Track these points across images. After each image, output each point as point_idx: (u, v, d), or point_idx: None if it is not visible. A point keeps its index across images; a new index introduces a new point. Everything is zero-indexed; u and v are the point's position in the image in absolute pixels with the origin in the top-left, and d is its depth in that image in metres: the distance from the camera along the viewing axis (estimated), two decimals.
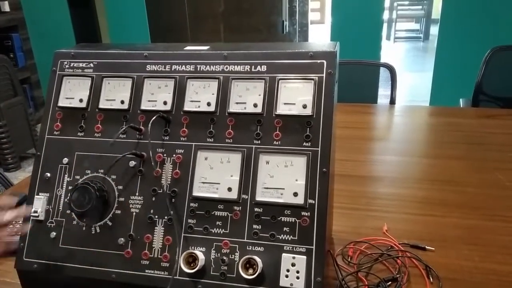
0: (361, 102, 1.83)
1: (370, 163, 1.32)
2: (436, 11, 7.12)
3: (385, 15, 3.50)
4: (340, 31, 3.18)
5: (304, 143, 0.68)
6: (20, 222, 0.94)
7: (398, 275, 0.78)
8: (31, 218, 0.75)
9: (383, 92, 2.21)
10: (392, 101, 1.91)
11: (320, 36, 7.04)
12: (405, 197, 1.09)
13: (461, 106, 1.99)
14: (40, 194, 0.76)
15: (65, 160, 0.76)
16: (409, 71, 5.63)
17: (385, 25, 3.32)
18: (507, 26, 2.78)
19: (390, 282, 0.77)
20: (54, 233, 0.74)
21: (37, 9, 3.74)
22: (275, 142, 0.69)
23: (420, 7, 7.73)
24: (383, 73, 2.00)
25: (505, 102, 1.90)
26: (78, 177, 0.75)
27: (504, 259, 0.83)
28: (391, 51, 6.75)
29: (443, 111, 1.77)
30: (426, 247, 0.86)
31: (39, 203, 0.75)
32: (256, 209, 0.67)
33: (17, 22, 3.65)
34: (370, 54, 3.06)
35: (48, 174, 0.76)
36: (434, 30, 7.08)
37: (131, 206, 0.72)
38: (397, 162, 1.31)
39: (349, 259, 0.84)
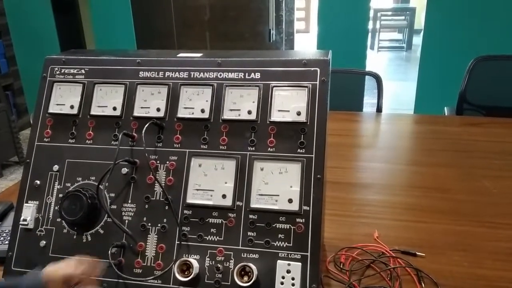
0: (347, 110, 1.85)
1: (359, 170, 1.33)
2: (419, 21, 7.25)
3: (369, 25, 3.56)
4: (326, 40, 3.21)
5: (299, 150, 0.68)
6: (7, 231, 0.93)
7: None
8: (20, 226, 0.73)
9: (368, 101, 2.24)
10: (379, 109, 1.93)
11: (305, 45, 7.10)
12: (395, 204, 1.10)
13: (446, 114, 2.02)
14: (29, 202, 0.74)
15: (56, 167, 0.75)
16: (393, 80, 5.71)
17: (369, 35, 3.38)
18: (489, 36, 2.85)
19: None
20: (44, 242, 0.72)
21: (21, 15, 3.69)
22: (269, 149, 0.69)
23: (403, 17, 7.87)
24: (368, 82, 2.02)
25: (488, 110, 1.94)
26: (68, 184, 0.74)
27: (493, 264, 0.84)
28: (375, 61, 6.84)
29: (429, 119, 1.79)
30: (417, 253, 0.87)
31: (28, 211, 0.73)
32: (250, 216, 0.67)
33: (0, 28, 3.60)
34: (355, 63, 3.09)
35: (38, 182, 0.75)
36: (416, 40, 7.22)
37: (123, 213, 0.71)
38: (385, 169, 1.32)
39: (341, 266, 0.84)
